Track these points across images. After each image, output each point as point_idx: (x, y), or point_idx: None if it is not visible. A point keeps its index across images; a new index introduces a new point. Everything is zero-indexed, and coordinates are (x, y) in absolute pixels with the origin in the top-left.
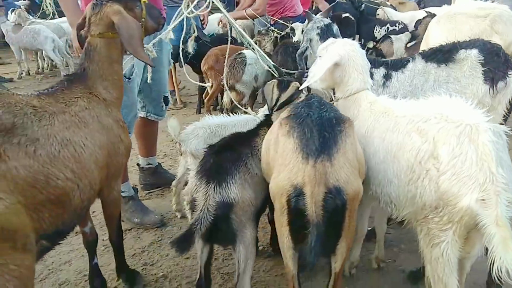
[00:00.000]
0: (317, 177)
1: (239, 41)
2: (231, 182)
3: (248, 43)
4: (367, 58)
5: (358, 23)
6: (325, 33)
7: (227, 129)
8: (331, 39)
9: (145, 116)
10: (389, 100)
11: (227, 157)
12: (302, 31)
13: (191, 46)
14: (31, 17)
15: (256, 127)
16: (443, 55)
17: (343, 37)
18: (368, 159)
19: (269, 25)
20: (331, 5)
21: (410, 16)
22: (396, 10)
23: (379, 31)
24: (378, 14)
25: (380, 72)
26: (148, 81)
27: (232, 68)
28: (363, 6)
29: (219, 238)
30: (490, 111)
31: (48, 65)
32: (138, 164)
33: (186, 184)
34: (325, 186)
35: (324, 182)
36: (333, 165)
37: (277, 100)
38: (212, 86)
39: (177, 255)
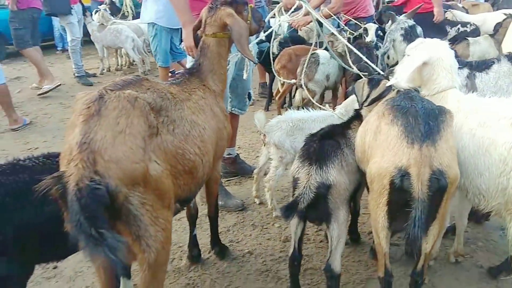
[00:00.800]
0: (423, 159)
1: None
2: (330, 166)
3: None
4: None
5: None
6: (409, 34)
7: (308, 123)
8: (420, 39)
9: (230, 110)
10: (477, 98)
11: (328, 144)
12: (376, 31)
13: (276, 47)
14: (112, 18)
15: (348, 121)
16: None
17: None
18: (457, 153)
19: (342, 25)
20: (416, 7)
21: (482, 18)
22: (467, 12)
23: (449, 32)
24: (446, 17)
25: (463, 72)
26: (244, 77)
27: (306, 67)
28: None
29: (316, 215)
30: None
31: (126, 62)
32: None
33: (266, 173)
34: (430, 168)
35: (429, 164)
36: (437, 150)
37: (368, 96)
38: (283, 84)
39: (259, 236)
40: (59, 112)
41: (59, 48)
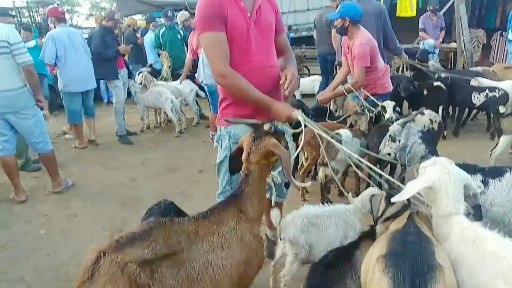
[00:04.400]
0: None
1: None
2: None
3: None
4: (466, 165)
5: (451, 91)
6: (426, 136)
7: (322, 219)
8: (432, 159)
9: (270, 197)
10: (482, 230)
11: (328, 276)
12: (394, 108)
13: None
14: (154, 80)
15: (358, 239)
16: None
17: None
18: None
19: (363, 102)
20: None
21: (510, 85)
22: (497, 76)
23: (478, 98)
24: (472, 85)
25: (477, 178)
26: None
27: (328, 146)
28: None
29: None
30: None
31: (164, 120)
32: (266, 234)
33: (282, 266)
34: None
35: None
36: None
37: (383, 212)
38: (307, 159)
39: None
40: (99, 173)
41: (104, 100)
